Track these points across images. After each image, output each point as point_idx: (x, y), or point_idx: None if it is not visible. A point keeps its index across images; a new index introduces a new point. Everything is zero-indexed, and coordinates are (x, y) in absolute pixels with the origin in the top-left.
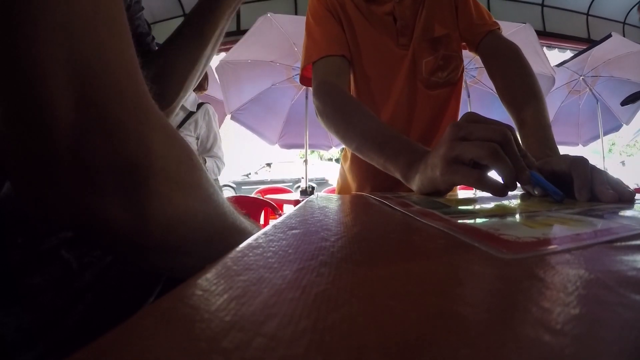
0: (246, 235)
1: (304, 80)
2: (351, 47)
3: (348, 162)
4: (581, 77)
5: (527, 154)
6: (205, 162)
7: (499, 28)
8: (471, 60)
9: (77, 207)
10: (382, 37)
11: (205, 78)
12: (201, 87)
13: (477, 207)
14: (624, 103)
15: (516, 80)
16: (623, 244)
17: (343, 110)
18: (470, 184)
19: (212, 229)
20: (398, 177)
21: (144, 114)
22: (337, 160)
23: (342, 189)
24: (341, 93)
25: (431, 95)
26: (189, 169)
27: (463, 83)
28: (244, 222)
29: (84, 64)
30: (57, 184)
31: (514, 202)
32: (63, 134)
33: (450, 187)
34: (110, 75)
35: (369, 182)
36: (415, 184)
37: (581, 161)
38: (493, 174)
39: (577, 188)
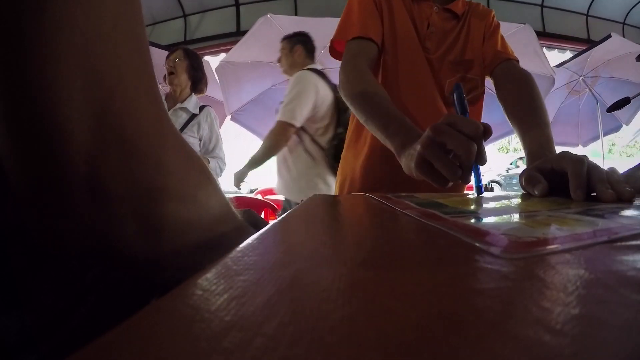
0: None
1: (334, 53)
2: (388, 36)
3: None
4: (581, 78)
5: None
6: (209, 162)
7: (517, 61)
8: None
9: (91, 236)
10: (416, 36)
11: (205, 83)
12: (200, 91)
13: (477, 207)
14: (610, 110)
15: (524, 99)
16: (623, 244)
17: (362, 87)
18: (433, 183)
19: (226, 247)
20: (393, 151)
21: (162, 136)
22: None
23: (343, 186)
24: (364, 73)
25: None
26: (205, 189)
27: None
28: (250, 227)
29: (102, 84)
30: (72, 214)
31: (514, 202)
32: (79, 163)
33: (419, 178)
34: (130, 96)
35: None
36: (402, 164)
37: (577, 160)
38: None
39: (572, 188)
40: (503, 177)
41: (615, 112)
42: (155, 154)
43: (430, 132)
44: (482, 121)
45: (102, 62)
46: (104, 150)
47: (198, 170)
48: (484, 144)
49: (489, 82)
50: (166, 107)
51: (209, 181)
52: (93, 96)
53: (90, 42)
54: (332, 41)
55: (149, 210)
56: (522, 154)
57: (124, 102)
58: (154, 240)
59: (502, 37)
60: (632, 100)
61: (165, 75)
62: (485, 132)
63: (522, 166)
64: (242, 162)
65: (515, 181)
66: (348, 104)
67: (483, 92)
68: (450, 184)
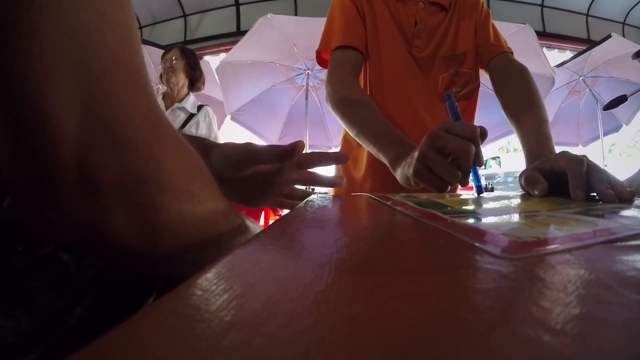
0: (248, 237)
1: (321, 61)
2: (371, 41)
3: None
4: (581, 78)
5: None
6: None
7: (512, 52)
8: None
9: (83, 226)
10: (401, 37)
11: (203, 81)
12: (198, 88)
13: (477, 207)
14: (607, 108)
15: (520, 93)
16: (623, 244)
17: (350, 99)
18: (432, 188)
19: (219, 239)
20: (387, 164)
21: (153, 128)
22: None
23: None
24: (350, 84)
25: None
26: (198, 181)
27: None
28: (247, 224)
29: (90, 76)
30: (62, 205)
31: (514, 202)
32: (68, 154)
33: (418, 186)
34: (118, 88)
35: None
36: (397, 176)
37: (577, 161)
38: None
39: (572, 188)
40: None
41: (615, 112)
42: (145, 144)
43: (428, 138)
44: (480, 119)
45: (89, 53)
46: (93, 140)
47: (191, 163)
48: (481, 145)
49: (484, 79)
50: (158, 100)
51: (201, 174)
52: (81, 87)
53: (78, 33)
54: (318, 52)
55: (139, 200)
56: (495, 153)
57: (112, 92)
58: (146, 231)
59: (493, 26)
60: (629, 99)
61: (161, 74)
62: (482, 134)
63: (495, 167)
64: None
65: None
66: (337, 116)
67: (478, 86)
68: (449, 187)
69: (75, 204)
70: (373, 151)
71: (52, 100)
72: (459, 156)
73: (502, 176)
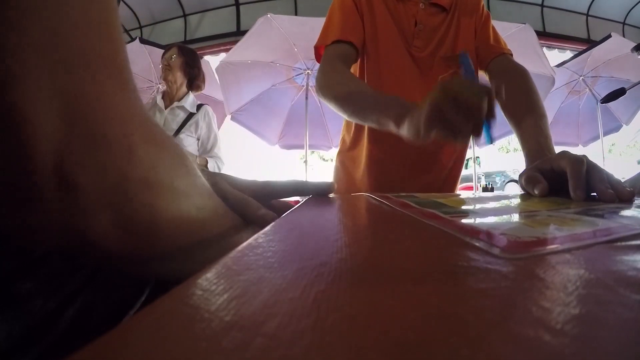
0: (243, 236)
1: (319, 58)
2: (370, 40)
3: (365, 150)
4: (581, 78)
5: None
6: (207, 162)
7: (511, 54)
8: None
9: (65, 231)
10: (401, 37)
11: (202, 79)
12: (198, 87)
13: (477, 207)
14: (604, 101)
15: (520, 93)
16: (623, 244)
17: (342, 82)
18: (444, 137)
19: (210, 237)
20: (391, 126)
21: (133, 125)
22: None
23: (341, 186)
24: (343, 71)
25: None
26: (182, 176)
27: None
28: (241, 223)
29: (71, 74)
30: (43, 210)
31: (514, 202)
32: (48, 155)
33: (427, 139)
34: (99, 85)
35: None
36: (404, 131)
37: (577, 161)
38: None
39: (572, 188)
40: None
41: (615, 112)
42: (126, 142)
43: (441, 87)
44: None
45: (71, 51)
46: (72, 139)
47: (176, 159)
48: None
49: (484, 79)
50: (157, 98)
51: (187, 170)
52: (61, 85)
53: (60, 30)
54: (316, 47)
55: (122, 200)
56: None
57: (93, 90)
58: (131, 231)
59: (493, 28)
60: (629, 99)
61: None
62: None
63: (471, 167)
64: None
65: None
66: (332, 104)
67: None
68: (461, 139)
69: (55, 208)
70: (374, 120)
71: (31, 99)
72: (471, 106)
73: (482, 176)
